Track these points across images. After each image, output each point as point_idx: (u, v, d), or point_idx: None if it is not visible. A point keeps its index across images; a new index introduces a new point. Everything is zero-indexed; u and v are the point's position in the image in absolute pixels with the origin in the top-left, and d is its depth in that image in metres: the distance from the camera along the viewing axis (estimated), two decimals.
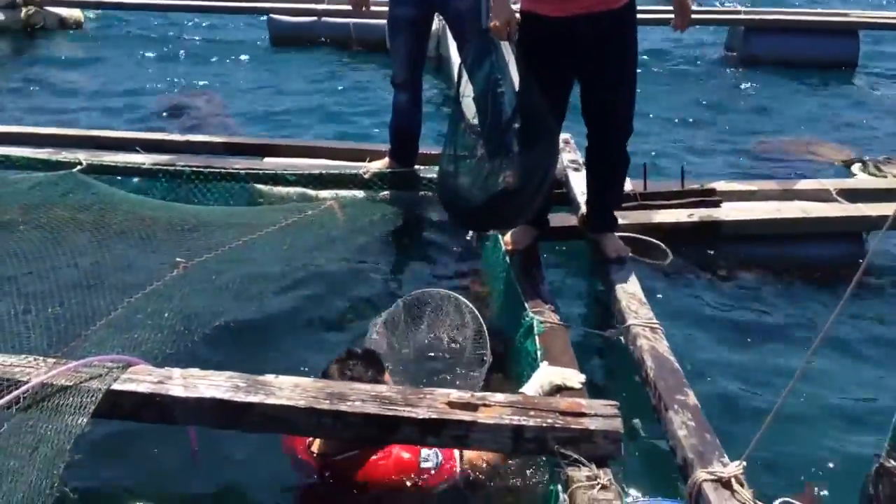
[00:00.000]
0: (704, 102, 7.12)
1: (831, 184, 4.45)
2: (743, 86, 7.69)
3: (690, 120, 6.60)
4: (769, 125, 6.61)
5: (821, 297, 3.86)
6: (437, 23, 4.49)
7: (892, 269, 4.14)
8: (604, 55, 3.18)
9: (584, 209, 3.74)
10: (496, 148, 3.20)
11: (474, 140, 3.24)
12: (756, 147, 6.06)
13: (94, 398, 2.23)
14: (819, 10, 8.94)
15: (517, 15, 3.21)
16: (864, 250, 3.98)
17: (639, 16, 3.29)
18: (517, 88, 3.21)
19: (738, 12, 8.50)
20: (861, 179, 4.96)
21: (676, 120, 6.44)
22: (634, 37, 3.26)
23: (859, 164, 5.34)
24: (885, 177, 5.02)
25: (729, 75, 8.05)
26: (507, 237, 3.60)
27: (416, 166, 4.56)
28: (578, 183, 4.02)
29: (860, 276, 1.69)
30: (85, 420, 2.15)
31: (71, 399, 2.21)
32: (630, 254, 3.54)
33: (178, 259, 3.19)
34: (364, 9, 4.42)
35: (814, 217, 4.08)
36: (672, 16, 3.31)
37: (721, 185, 4.33)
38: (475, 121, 3.28)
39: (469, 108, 3.31)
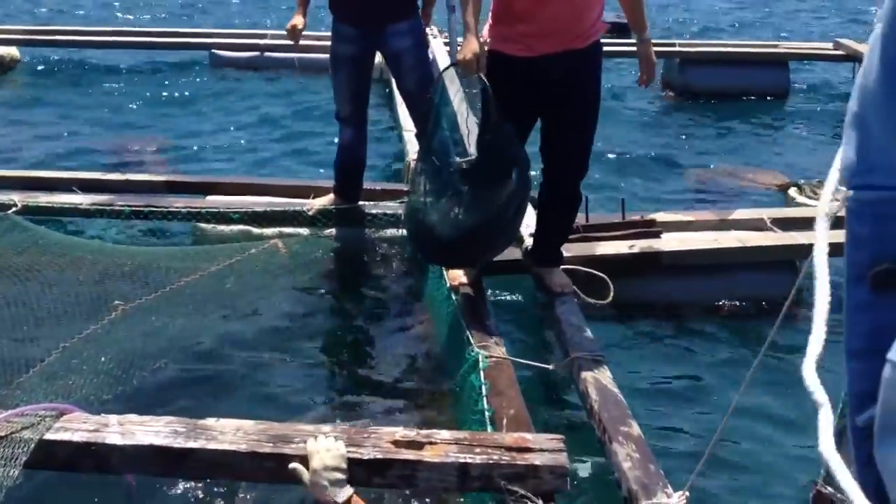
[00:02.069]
0: (643, 134, 7.28)
1: (766, 213, 4.57)
2: (680, 117, 7.89)
3: (629, 152, 6.73)
4: (706, 155, 6.78)
5: (757, 325, 3.94)
6: (379, 57, 4.51)
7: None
8: (567, 96, 3.23)
9: (528, 242, 3.78)
10: (461, 185, 3.21)
11: (444, 176, 3.25)
12: (695, 176, 6.21)
13: (25, 449, 2.16)
14: (750, 42, 9.25)
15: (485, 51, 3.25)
16: (797, 277, 4.07)
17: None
18: (483, 125, 3.22)
19: (674, 45, 8.74)
20: (793, 209, 5.10)
21: (616, 152, 6.57)
22: (598, 78, 3.32)
23: (795, 189, 5.50)
24: None
25: (666, 107, 8.26)
26: (451, 272, 3.58)
27: (361, 202, 4.55)
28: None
29: (789, 305, 1.73)
30: (16, 472, 2.08)
31: (1, 450, 2.14)
32: (573, 287, 3.58)
33: (116, 302, 3.13)
34: (297, 38, 4.39)
35: (750, 246, 4.18)
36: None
37: (661, 216, 4.42)
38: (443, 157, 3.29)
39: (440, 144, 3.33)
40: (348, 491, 2.07)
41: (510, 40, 3.17)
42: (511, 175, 3.20)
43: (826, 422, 1.28)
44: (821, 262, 1.13)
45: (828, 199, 1.16)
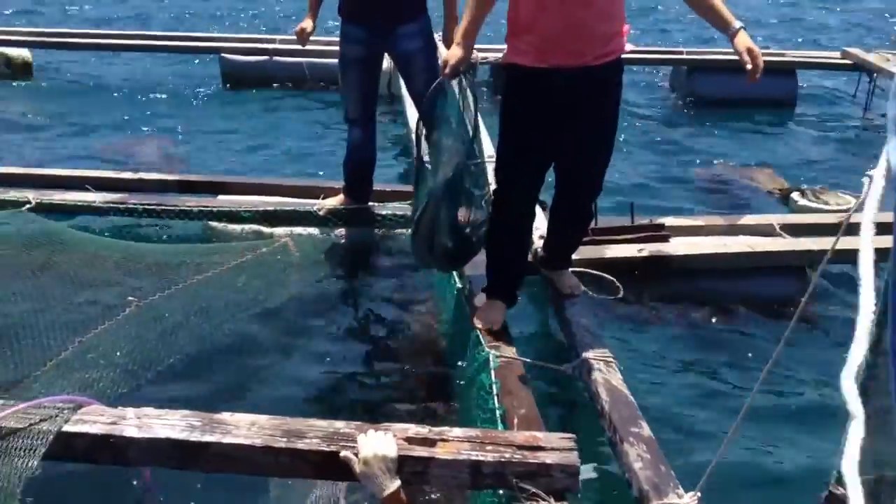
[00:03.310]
0: (651, 140, 7.30)
1: (775, 219, 4.59)
2: (687, 124, 7.91)
3: (638, 157, 6.75)
4: (713, 161, 6.79)
5: (767, 329, 3.96)
6: (388, 61, 4.54)
7: (835, 301, 4.26)
8: (580, 114, 3.09)
9: (538, 244, 3.80)
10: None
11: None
12: (698, 174, 6.24)
13: (44, 440, 2.18)
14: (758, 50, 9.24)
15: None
16: (807, 283, 4.10)
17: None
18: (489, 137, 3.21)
19: (681, 52, 8.76)
20: (802, 215, 5.12)
21: (624, 157, 6.58)
22: (616, 99, 3.18)
23: (797, 193, 5.52)
24: (827, 204, 5.20)
25: (673, 114, 8.27)
26: (478, 320, 3.29)
27: (371, 203, 4.58)
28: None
29: (802, 310, 1.75)
30: (35, 463, 2.11)
31: (20, 441, 2.16)
32: (583, 288, 3.60)
33: (130, 298, 3.16)
34: (305, 41, 4.44)
35: (759, 251, 4.20)
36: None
37: (669, 221, 4.44)
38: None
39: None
40: (397, 482, 2.12)
41: (521, 51, 3.07)
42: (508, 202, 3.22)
43: (855, 435, 1.28)
44: (866, 269, 1.12)
45: (873, 207, 1.14)
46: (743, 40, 2.97)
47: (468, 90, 3.22)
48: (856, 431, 1.24)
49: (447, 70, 3.16)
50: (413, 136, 3.43)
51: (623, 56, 3.14)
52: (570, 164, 3.25)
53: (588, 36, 2.98)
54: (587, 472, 2.54)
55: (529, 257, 3.84)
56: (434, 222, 3.17)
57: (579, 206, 3.43)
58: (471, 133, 3.19)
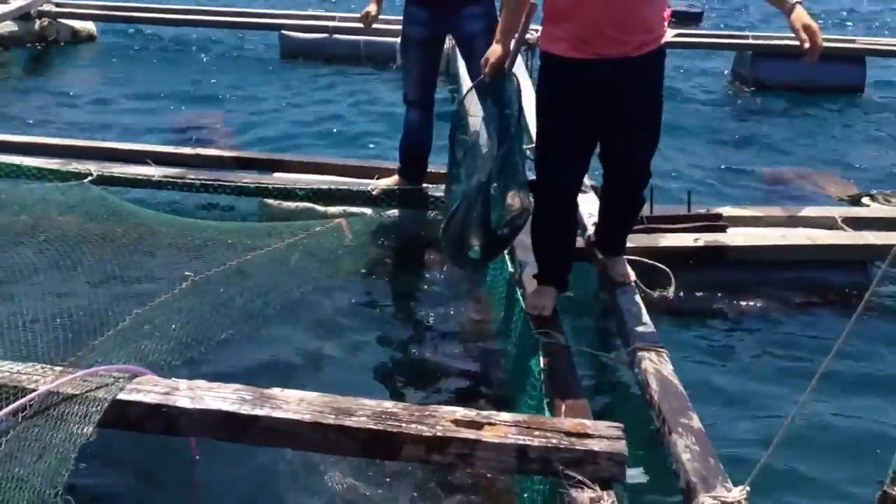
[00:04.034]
0: (711, 127, 7.15)
1: (837, 211, 4.47)
2: (749, 111, 7.72)
3: (696, 144, 6.62)
4: (775, 152, 6.63)
5: (826, 323, 3.86)
6: (448, 42, 4.54)
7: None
8: (621, 105, 2.97)
9: (590, 231, 3.75)
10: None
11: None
12: (763, 174, 6.08)
13: (99, 408, 2.24)
14: (826, 36, 8.96)
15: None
16: (868, 278, 3.98)
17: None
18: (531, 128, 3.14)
19: (746, 37, 8.54)
20: (865, 209, 4.97)
21: (682, 144, 6.46)
22: (659, 87, 3.07)
23: (868, 198, 5.34)
24: None
25: (736, 100, 8.08)
26: (528, 306, 3.27)
27: (425, 184, 4.58)
28: (586, 205, 4.04)
29: (865, 304, 1.70)
30: (90, 429, 2.16)
31: (76, 408, 2.23)
32: (635, 279, 3.54)
33: (186, 272, 3.21)
34: (368, 25, 4.48)
35: (819, 244, 4.09)
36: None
37: (727, 210, 4.35)
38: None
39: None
40: None
41: (558, 39, 2.91)
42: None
43: None
44: None
45: None
46: (799, 16, 2.68)
47: (512, 86, 3.11)
48: None
49: (487, 69, 3.07)
50: (448, 135, 3.36)
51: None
52: (615, 153, 3.15)
53: (631, 24, 2.84)
54: (637, 476, 2.50)
55: (582, 242, 3.81)
56: (466, 223, 3.13)
57: (628, 194, 3.34)
58: (512, 131, 3.08)
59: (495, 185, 3.08)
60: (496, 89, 3.15)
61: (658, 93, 3.07)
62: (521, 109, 3.13)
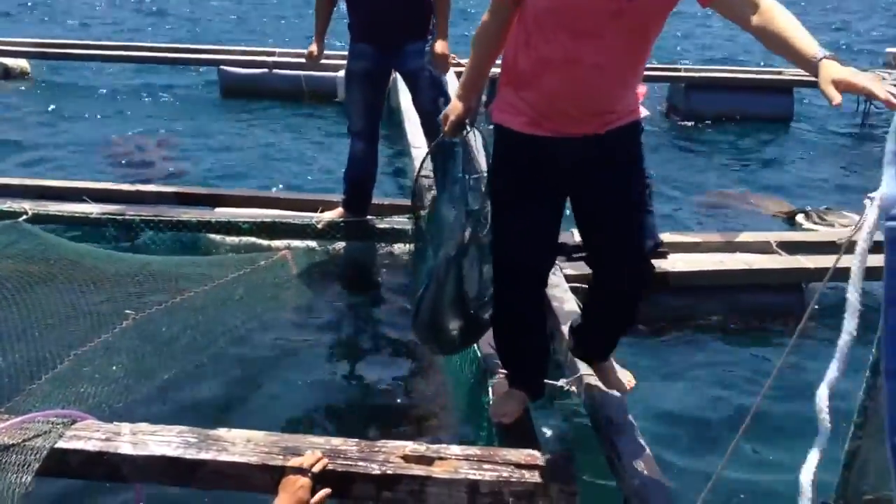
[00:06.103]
0: (648, 158, 7.27)
1: (772, 236, 4.61)
2: (685, 140, 7.94)
3: None
4: (711, 178, 6.82)
5: (765, 346, 3.96)
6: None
7: (831, 318, 4.25)
8: (591, 183, 2.50)
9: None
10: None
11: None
12: (700, 200, 6.23)
13: (38, 456, 2.17)
14: (756, 69, 9.31)
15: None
16: (804, 300, 4.10)
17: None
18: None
19: (679, 70, 8.81)
20: (799, 233, 5.13)
21: None
22: (637, 160, 2.59)
23: (802, 215, 5.54)
24: (832, 225, 5.22)
25: (671, 130, 8.30)
26: (495, 410, 2.78)
27: (370, 216, 4.58)
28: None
29: (803, 327, 1.75)
30: (29, 479, 2.09)
31: (14, 457, 2.15)
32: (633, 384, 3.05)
33: (127, 311, 3.14)
34: (314, 63, 4.53)
35: (756, 269, 4.21)
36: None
37: (667, 237, 4.43)
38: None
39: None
40: None
41: (514, 109, 2.45)
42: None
43: (819, 448, 1.32)
44: (853, 296, 1.14)
45: (866, 235, 1.16)
46: (825, 78, 1.89)
47: (475, 145, 2.67)
48: (820, 444, 1.28)
49: (447, 127, 2.62)
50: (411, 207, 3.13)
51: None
52: (598, 240, 2.59)
53: (593, 104, 2.39)
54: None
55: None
56: (437, 305, 2.65)
57: (622, 290, 2.66)
58: (478, 201, 2.61)
59: (467, 258, 2.61)
60: (457, 149, 2.69)
61: (637, 165, 2.58)
62: (489, 168, 2.63)
